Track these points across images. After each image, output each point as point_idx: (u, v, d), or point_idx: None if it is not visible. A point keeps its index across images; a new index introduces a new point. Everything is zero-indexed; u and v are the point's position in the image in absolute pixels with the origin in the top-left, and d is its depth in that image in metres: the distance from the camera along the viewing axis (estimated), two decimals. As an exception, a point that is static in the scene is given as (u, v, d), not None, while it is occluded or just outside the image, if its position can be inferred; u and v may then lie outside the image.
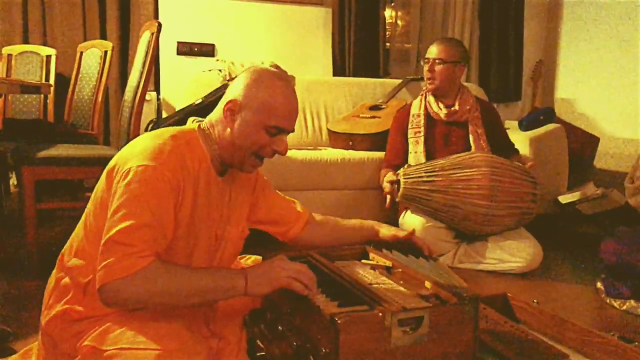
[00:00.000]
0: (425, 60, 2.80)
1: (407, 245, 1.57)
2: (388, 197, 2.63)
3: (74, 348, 1.20)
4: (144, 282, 1.08)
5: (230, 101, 1.26)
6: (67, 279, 1.26)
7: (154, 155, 1.17)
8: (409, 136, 2.83)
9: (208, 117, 1.32)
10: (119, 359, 1.11)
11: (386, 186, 2.63)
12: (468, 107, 2.81)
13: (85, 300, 1.22)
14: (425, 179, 2.50)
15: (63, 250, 1.32)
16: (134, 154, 1.19)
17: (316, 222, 1.60)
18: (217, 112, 1.30)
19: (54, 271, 1.32)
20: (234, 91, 1.27)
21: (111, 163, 1.23)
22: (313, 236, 1.58)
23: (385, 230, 1.60)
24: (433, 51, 2.78)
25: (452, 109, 2.79)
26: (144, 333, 1.14)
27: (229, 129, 1.26)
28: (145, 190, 1.13)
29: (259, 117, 1.24)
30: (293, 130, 1.31)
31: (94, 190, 1.27)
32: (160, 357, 1.08)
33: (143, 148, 1.19)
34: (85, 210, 1.29)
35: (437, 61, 2.75)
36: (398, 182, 2.55)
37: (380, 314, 1.06)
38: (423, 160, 2.73)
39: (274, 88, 1.25)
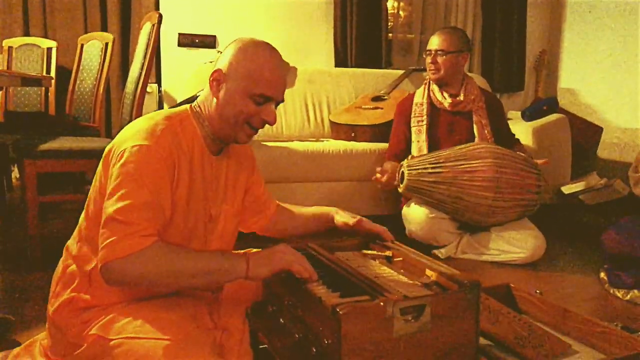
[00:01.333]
0: (427, 52, 2.77)
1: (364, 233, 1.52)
2: (384, 177, 2.60)
3: (80, 337, 1.20)
4: (147, 261, 1.09)
5: (215, 71, 1.26)
6: (73, 267, 1.27)
7: (147, 135, 1.17)
8: (411, 125, 2.80)
9: (199, 96, 1.33)
10: (125, 348, 1.12)
11: (386, 170, 2.61)
12: (473, 97, 2.78)
13: (92, 288, 1.23)
14: (429, 170, 2.49)
15: (70, 240, 1.33)
16: (128, 136, 1.19)
17: (283, 211, 1.59)
18: (206, 88, 1.30)
19: (61, 259, 1.33)
20: (220, 62, 1.27)
21: (107, 148, 1.24)
22: (280, 225, 1.58)
23: (339, 217, 1.54)
24: (434, 42, 2.75)
25: (457, 99, 2.77)
26: (150, 323, 1.14)
27: (215, 100, 1.26)
28: (141, 169, 1.13)
29: (243, 85, 1.24)
30: (282, 100, 1.30)
31: (94, 178, 1.27)
32: (167, 347, 1.09)
33: (137, 129, 1.20)
34: (87, 198, 1.29)
35: (439, 52, 2.72)
36: (402, 173, 2.55)
37: (382, 304, 1.05)
38: (425, 149, 2.72)
39: (259, 56, 1.24)
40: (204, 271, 1.14)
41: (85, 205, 1.29)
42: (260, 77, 1.24)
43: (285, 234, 1.60)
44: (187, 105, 1.33)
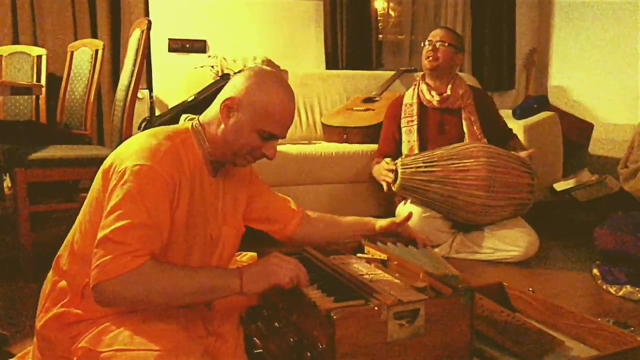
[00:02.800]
0: (429, 42, 2.84)
1: (404, 237, 1.57)
2: (384, 183, 2.63)
3: (69, 351, 1.19)
4: (138, 281, 1.08)
5: (229, 98, 1.25)
6: (63, 282, 1.25)
7: (150, 155, 1.16)
8: (402, 125, 2.84)
9: (203, 114, 1.32)
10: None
11: (383, 172, 2.63)
12: (461, 92, 2.82)
13: (83, 302, 1.22)
14: (423, 169, 2.51)
15: (59, 252, 1.31)
16: (129, 154, 1.18)
17: (311, 219, 1.59)
18: (214, 109, 1.29)
19: (50, 274, 1.31)
20: (235, 89, 1.26)
21: (106, 163, 1.23)
22: (309, 233, 1.57)
23: (382, 222, 1.60)
24: (437, 33, 2.85)
25: (445, 94, 2.80)
26: (140, 334, 1.14)
27: (222, 126, 1.25)
28: (141, 190, 1.13)
29: (254, 120, 1.23)
30: (285, 137, 1.31)
31: (90, 191, 1.26)
32: (156, 358, 1.08)
33: (139, 148, 1.19)
34: (81, 211, 1.28)
35: (440, 42, 2.80)
36: (396, 172, 2.56)
37: (376, 308, 1.06)
38: (417, 149, 2.74)
39: (275, 94, 1.24)
40: (197, 290, 1.14)
41: (79, 219, 1.28)
42: (273, 116, 1.24)
43: (319, 242, 1.59)
44: (188, 124, 1.32)
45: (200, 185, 1.27)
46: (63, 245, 1.31)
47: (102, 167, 1.23)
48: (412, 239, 1.56)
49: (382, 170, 2.66)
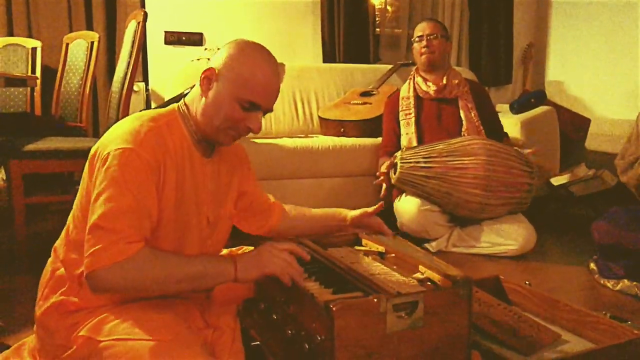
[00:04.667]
0: (419, 38, 2.84)
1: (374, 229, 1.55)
2: (383, 185, 2.64)
3: (68, 339, 1.19)
4: (132, 269, 1.08)
5: (208, 69, 1.23)
6: (62, 270, 1.25)
7: (131, 137, 1.15)
8: (400, 119, 2.85)
9: (188, 94, 1.30)
10: (115, 349, 1.10)
11: (381, 178, 2.65)
12: (457, 82, 2.84)
13: (82, 292, 1.21)
14: (422, 164, 2.51)
15: (57, 241, 1.31)
16: (112, 139, 1.17)
17: (287, 212, 1.57)
18: (195, 87, 1.27)
19: (49, 261, 1.31)
20: (215, 60, 1.24)
21: (92, 150, 1.21)
22: (286, 227, 1.55)
23: (354, 213, 1.55)
24: (425, 28, 2.85)
25: (441, 84, 2.82)
26: (140, 324, 1.13)
27: (203, 99, 1.23)
28: (125, 173, 1.11)
29: (233, 89, 1.20)
30: (271, 110, 1.27)
31: (81, 181, 1.25)
32: (155, 348, 1.08)
33: (121, 132, 1.18)
34: (75, 201, 1.27)
35: (432, 36, 2.81)
36: (395, 165, 2.56)
37: (375, 300, 1.05)
38: (415, 141, 2.75)
39: (255, 62, 1.21)
40: (191, 276, 1.13)
41: (73, 208, 1.27)
42: (252, 83, 1.20)
43: (295, 234, 1.57)
44: (175, 105, 1.29)
45: (190, 166, 1.25)
46: (61, 233, 1.30)
47: (89, 155, 1.22)
48: (381, 230, 1.53)
49: (380, 172, 2.68)
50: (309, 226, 1.58)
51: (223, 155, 1.36)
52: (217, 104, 1.22)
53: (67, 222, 1.29)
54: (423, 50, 2.82)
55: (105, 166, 1.13)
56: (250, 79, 1.20)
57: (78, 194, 1.25)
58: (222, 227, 1.38)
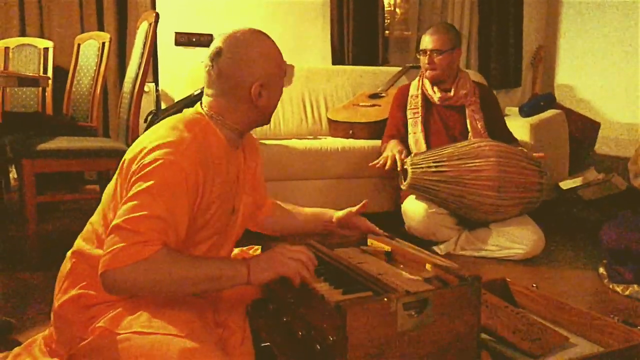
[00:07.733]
0: (422, 52, 2.80)
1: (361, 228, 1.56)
2: (388, 161, 2.62)
3: (85, 331, 1.20)
4: (147, 270, 1.08)
5: (254, 88, 1.26)
6: (84, 265, 1.26)
7: (172, 147, 1.16)
8: (408, 116, 2.85)
9: (210, 107, 1.29)
10: (132, 342, 1.12)
11: (390, 156, 2.62)
12: (464, 92, 2.81)
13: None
14: (433, 169, 2.49)
15: (80, 235, 1.32)
16: (152, 146, 1.17)
17: (277, 208, 1.59)
18: (226, 101, 1.27)
19: (69, 254, 1.32)
20: (244, 77, 1.26)
21: (128, 154, 1.22)
22: (272, 223, 1.58)
23: (339, 213, 1.57)
24: (428, 42, 2.77)
25: (447, 94, 2.80)
26: (157, 318, 1.15)
27: (257, 107, 1.29)
28: (162, 184, 1.12)
29: (276, 76, 1.30)
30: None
31: (109, 185, 1.27)
32: (174, 342, 1.09)
33: (162, 140, 1.17)
34: (102, 199, 1.29)
35: (435, 52, 2.75)
36: (405, 171, 2.55)
37: (386, 300, 1.06)
38: (422, 140, 2.75)
39: (260, 45, 1.29)
40: (205, 279, 1.14)
41: (102, 212, 1.28)
42: (276, 59, 1.31)
43: (282, 232, 1.59)
44: (195, 110, 1.31)
45: (227, 165, 1.28)
46: (85, 228, 1.31)
47: (124, 157, 1.23)
48: (370, 230, 1.53)
49: (389, 152, 2.66)
50: (294, 225, 1.59)
51: (245, 144, 1.41)
52: (274, 99, 1.33)
53: (94, 218, 1.30)
54: (426, 66, 2.79)
55: (143, 172, 1.13)
56: (273, 57, 1.30)
57: (108, 199, 1.26)
58: (245, 213, 1.42)
